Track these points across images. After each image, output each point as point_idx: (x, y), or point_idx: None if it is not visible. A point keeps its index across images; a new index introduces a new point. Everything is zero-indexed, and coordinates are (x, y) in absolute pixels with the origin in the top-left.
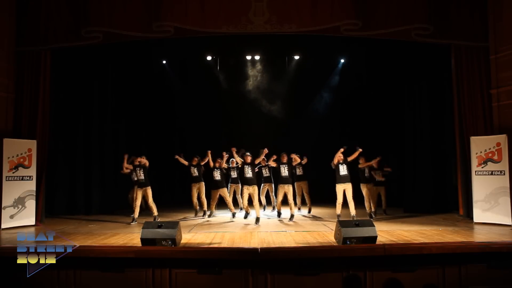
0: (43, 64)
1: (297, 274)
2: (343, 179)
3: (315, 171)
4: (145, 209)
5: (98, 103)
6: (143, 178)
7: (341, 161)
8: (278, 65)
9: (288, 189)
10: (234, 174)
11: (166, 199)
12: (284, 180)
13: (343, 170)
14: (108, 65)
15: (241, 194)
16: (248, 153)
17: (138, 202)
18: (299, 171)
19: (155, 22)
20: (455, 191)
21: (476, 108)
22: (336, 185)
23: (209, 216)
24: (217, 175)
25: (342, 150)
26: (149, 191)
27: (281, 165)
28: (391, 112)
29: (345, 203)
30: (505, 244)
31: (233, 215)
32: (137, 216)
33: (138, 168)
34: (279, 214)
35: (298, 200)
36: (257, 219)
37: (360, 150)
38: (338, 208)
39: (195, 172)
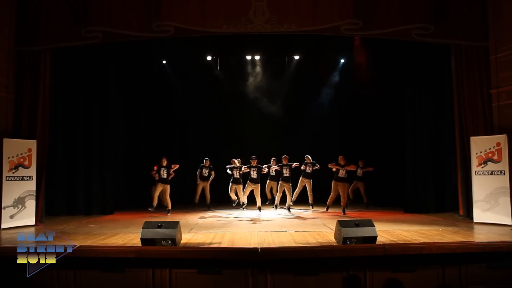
0: (43, 64)
1: (297, 274)
2: (339, 179)
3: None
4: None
5: (98, 103)
6: (165, 176)
7: (342, 164)
8: (278, 65)
9: (288, 186)
10: (236, 175)
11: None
12: (285, 179)
13: (342, 172)
14: (108, 65)
15: (244, 189)
16: (254, 156)
17: (156, 194)
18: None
19: (155, 22)
20: (455, 191)
21: (476, 108)
22: (333, 181)
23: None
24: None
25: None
26: (168, 188)
27: (283, 167)
28: (391, 112)
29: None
30: (505, 244)
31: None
32: (155, 204)
33: (163, 169)
34: (276, 206)
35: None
36: (259, 208)
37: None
38: (330, 201)
39: (206, 173)
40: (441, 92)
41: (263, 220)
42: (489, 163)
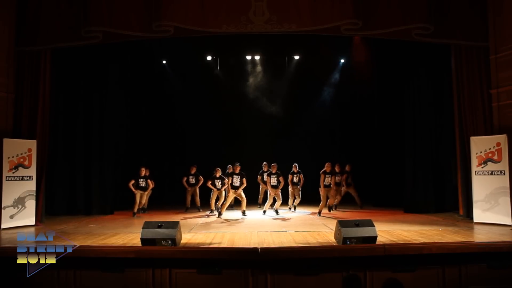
0: (43, 64)
1: (297, 274)
2: (326, 186)
3: (315, 171)
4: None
5: (98, 102)
6: (144, 185)
7: (328, 171)
8: (278, 65)
9: (278, 192)
10: (218, 185)
11: (166, 199)
12: (274, 187)
13: (327, 180)
14: (108, 65)
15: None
16: (238, 163)
17: (138, 200)
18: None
19: (155, 22)
20: (455, 191)
21: (476, 108)
22: (320, 188)
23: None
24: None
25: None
26: (145, 193)
27: (271, 175)
28: (391, 112)
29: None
30: (505, 244)
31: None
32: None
33: (142, 179)
34: (264, 212)
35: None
36: (243, 212)
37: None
38: (321, 207)
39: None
40: (441, 92)
41: (263, 221)
42: (489, 163)
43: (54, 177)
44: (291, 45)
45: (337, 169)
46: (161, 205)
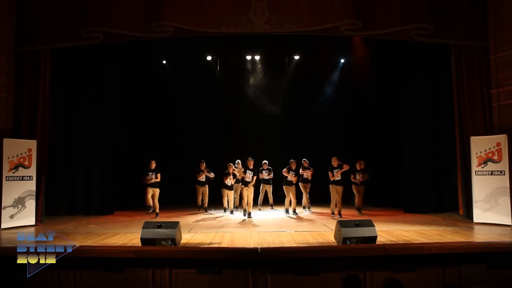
0: (43, 64)
1: (297, 274)
2: (335, 182)
3: (315, 171)
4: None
5: (98, 103)
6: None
7: (335, 166)
8: (278, 65)
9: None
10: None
11: (166, 199)
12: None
13: (337, 175)
14: (108, 65)
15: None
16: (251, 158)
17: (149, 195)
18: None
19: (155, 22)
20: (455, 191)
21: (476, 108)
22: (330, 185)
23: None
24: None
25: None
26: (157, 192)
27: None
28: (391, 112)
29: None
30: (505, 244)
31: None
32: (151, 205)
33: (151, 173)
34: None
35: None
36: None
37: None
38: (333, 207)
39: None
40: (441, 92)
41: (263, 221)
42: (489, 163)
43: (54, 177)
44: (291, 45)
45: (358, 167)
46: (161, 205)
